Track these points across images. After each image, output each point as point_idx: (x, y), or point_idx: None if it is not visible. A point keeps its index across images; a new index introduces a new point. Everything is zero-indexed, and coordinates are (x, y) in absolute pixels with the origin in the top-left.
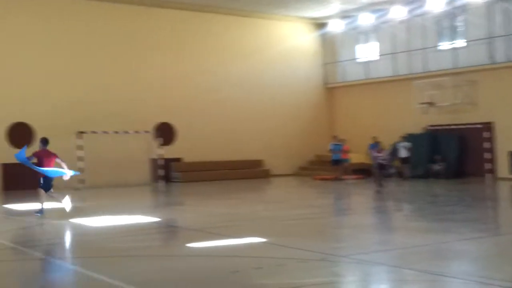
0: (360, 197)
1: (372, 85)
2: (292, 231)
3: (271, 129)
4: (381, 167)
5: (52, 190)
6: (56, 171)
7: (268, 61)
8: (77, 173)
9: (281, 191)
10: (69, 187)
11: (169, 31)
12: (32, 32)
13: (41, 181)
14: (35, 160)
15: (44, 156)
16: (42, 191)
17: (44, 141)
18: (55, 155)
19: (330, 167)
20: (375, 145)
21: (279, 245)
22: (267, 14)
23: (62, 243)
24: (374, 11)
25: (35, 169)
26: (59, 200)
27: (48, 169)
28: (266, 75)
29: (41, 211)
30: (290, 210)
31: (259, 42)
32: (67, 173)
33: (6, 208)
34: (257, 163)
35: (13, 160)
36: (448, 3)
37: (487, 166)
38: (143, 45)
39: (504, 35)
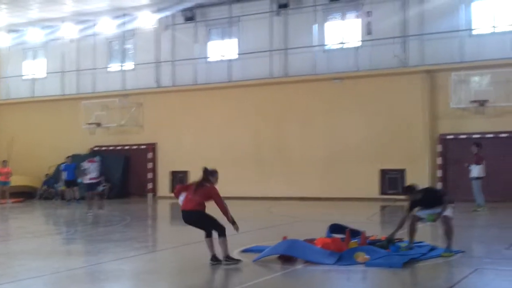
0: (17, 222)
1: (39, 103)
2: None
3: None
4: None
5: None
6: None
7: None
8: None
9: None
10: None
11: None
12: None
13: None
14: None
15: None
16: None
17: None
18: None
19: None
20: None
21: None
22: None
23: None
24: (43, 27)
25: None
26: None
27: None
28: None
29: None
30: None
31: None
32: None
33: None
34: None
35: None
36: (119, 26)
37: (150, 185)
38: None
39: (170, 61)
